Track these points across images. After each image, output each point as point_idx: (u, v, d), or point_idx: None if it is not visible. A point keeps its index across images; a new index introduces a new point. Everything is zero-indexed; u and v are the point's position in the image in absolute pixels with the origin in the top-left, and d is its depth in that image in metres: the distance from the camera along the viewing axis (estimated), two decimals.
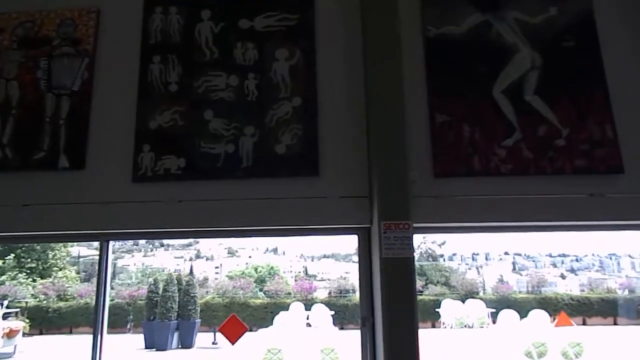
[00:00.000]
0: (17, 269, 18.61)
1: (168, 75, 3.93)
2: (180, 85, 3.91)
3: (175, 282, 11.71)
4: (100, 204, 3.76)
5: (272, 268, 21.39)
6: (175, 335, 11.51)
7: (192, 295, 11.74)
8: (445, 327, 13.00)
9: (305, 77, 3.90)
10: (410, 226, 3.33)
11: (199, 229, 3.78)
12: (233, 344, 3.66)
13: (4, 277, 17.68)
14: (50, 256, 19.38)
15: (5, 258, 18.63)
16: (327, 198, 3.71)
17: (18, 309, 12.26)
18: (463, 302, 14.33)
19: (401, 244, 3.27)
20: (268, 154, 3.75)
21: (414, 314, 3.20)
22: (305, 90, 3.86)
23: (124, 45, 4.05)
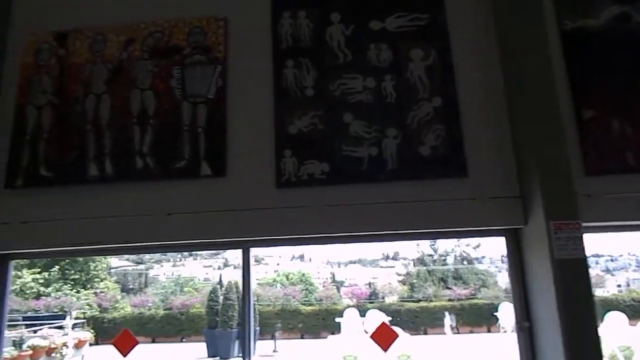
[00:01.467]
0: (61, 281, 18.88)
1: (303, 80, 3.89)
2: (316, 89, 3.87)
3: (235, 290, 11.71)
4: (243, 211, 3.73)
5: (303, 275, 21.30)
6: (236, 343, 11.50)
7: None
8: (505, 332, 12.73)
9: (443, 76, 3.83)
10: (580, 226, 3.21)
11: (346, 234, 3.71)
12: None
13: (50, 289, 17.95)
14: (92, 267, 19.65)
15: (50, 270, 18.93)
16: (476, 200, 3.61)
17: (84, 320, 12.39)
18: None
19: (574, 244, 3.16)
20: (412, 156, 3.68)
21: (594, 316, 3.08)
22: (444, 90, 3.79)
23: (254, 52, 4.04)
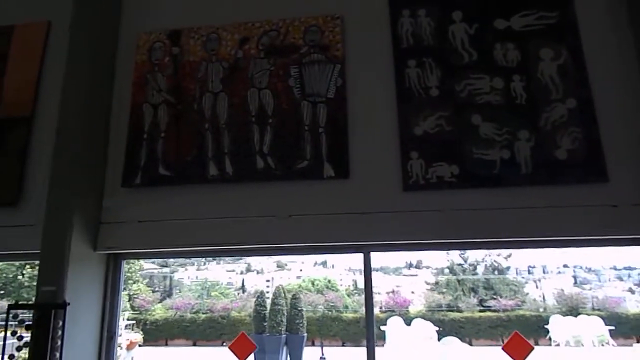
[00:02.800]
0: None
1: (427, 80, 3.77)
2: (441, 89, 3.74)
3: (283, 295, 11.59)
4: (366, 214, 3.61)
5: (329, 281, 21.11)
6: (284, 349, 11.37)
7: (299, 309, 11.60)
8: (558, 345, 12.33)
9: (576, 76, 3.66)
10: None
11: (475, 240, 3.55)
12: None
13: None
14: (126, 269, 19.74)
15: None
16: (618, 206, 3.42)
17: (134, 321, 12.43)
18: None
19: None
20: (548, 159, 3.51)
21: None
22: (578, 90, 3.62)
23: (373, 50, 3.94)
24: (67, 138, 3.76)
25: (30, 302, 3.44)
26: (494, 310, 15.58)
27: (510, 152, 3.56)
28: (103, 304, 3.79)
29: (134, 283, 20.16)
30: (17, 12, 4.55)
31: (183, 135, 3.88)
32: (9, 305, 3.42)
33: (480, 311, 15.93)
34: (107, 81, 4.12)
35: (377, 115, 3.79)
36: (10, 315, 3.37)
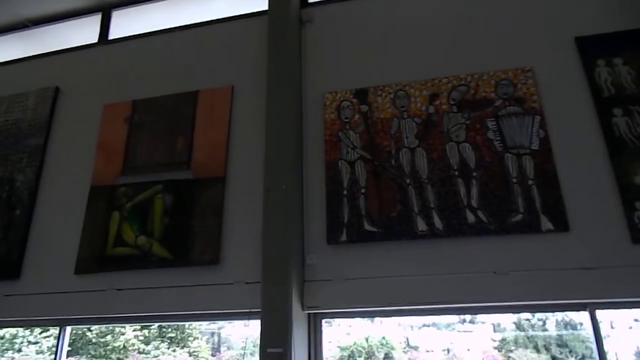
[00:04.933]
0: (159, 339, 18.89)
1: (637, 127, 3.68)
2: None
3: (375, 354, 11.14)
4: (590, 270, 3.43)
5: (383, 338, 20.17)
6: None
7: None
8: None
9: None
10: None
11: None
12: None
13: (149, 347, 17.97)
14: (187, 325, 19.61)
15: (150, 328, 19.04)
16: None
17: None
18: None
19: None
20: None
21: None
22: None
23: (570, 101, 3.90)
24: (275, 196, 3.83)
25: None
26: None
27: None
28: None
29: (194, 339, 19.92)
30: (200, 77, 4.84)
31: (383, 191, 3.89)
32: None
33: None
34: (299, 140, 4.23)
35: (587, 166, 3.69)
36: None
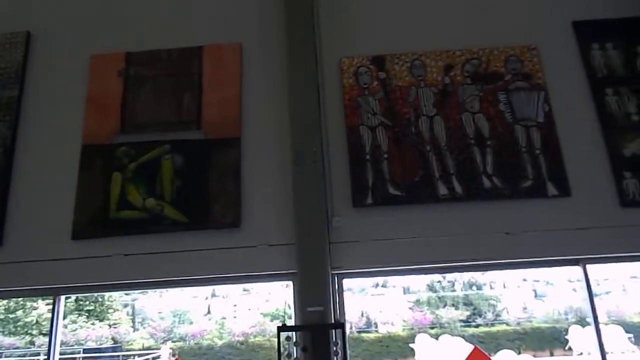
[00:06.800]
0: (76, 312, 18.00)
1: (625, 107, 4.17)
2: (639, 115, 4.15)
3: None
4: (585, 230, 3.90)
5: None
6: None
7: None
8: (581, 354, 12.99)
9: None
10: None
11: None
12: None
13: (66, 321, 17.05)
14: (107, 297, 18.84)
15: (67, 301, 17.96)
16: None
17: (171, 349, 11.91)
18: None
19: None
20: None
21: None
22: None
23: (570, 79, 4.30)
24: (301, 159, 3.81)
25: (298, 325, 3.42)
26: (507, 324, 16.12)
27: None
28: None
29: (115, 312, 19.11)
30: (203, 34, 4.55)
31: (406, 157, 4.03)
32: (278, 327, 3.39)
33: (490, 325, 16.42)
34: (319, 104, 4.19)
35: (584, 138, 4.13)
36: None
